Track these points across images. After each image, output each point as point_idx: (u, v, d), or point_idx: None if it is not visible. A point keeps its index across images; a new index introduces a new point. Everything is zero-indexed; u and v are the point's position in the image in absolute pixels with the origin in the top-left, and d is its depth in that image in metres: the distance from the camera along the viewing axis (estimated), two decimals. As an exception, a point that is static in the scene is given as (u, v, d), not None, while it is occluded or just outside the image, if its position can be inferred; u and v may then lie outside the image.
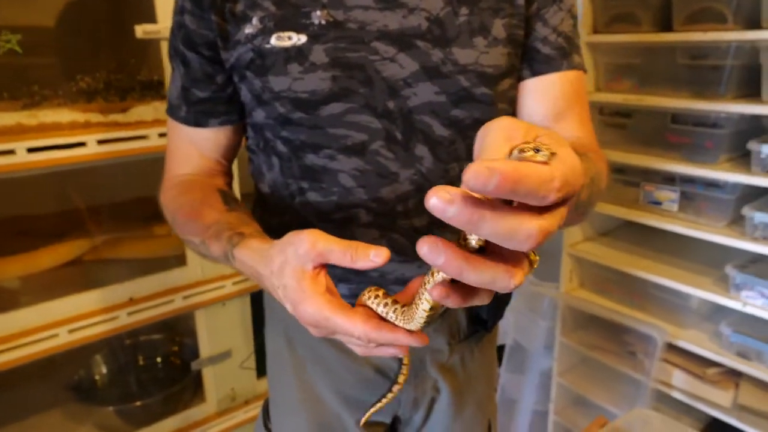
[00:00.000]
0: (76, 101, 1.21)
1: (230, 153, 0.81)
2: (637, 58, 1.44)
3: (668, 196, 1.43)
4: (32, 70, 1.21)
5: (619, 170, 1.53)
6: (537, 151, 0.32)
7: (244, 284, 1.47)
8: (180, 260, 1.38)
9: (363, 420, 0.80)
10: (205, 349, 1.48)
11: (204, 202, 0.70)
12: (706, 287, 1.37)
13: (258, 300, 1.24)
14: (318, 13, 0.65)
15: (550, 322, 1.73)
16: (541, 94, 0.74)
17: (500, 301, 0.82)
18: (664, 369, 1.49)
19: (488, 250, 0.36)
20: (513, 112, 0.75)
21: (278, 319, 0.83)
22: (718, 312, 1.46)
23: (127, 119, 1.24)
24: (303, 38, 0.65)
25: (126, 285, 1.33)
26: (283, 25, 0.65)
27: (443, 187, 0.32)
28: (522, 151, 0.33)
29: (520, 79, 0.74)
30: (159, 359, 1.65)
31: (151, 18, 1.19)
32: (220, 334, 1.49)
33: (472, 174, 0.30)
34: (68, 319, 1.25)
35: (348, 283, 0.75)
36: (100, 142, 1.20)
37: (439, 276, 0.41)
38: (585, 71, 0.76)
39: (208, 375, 1.50)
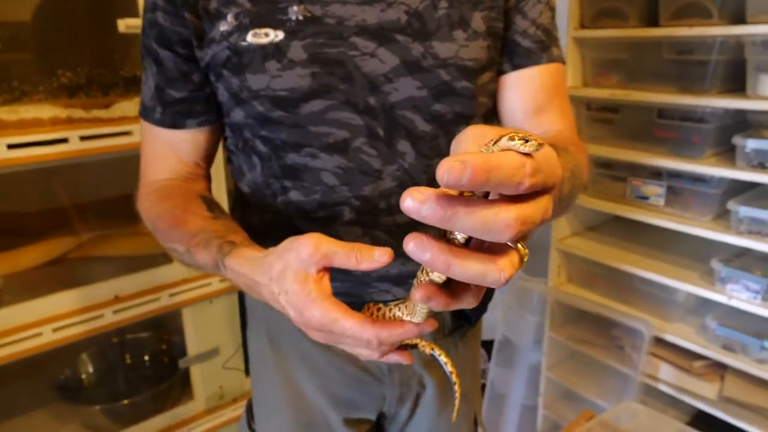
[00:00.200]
0: (58, 97, 1.19)
1: (209, 155, 0.78)
2: (624, 53, 1.45)
3: (655, 190, 1.44)
4: (12, 65, 1.19)
5: (606, 165, 1.53)
6: (526, 141, 0.33)
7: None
8: (166, 257, 1.36)
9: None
10: (193, 346, 1.47)
11: (186, 209, 0.68)
12: (692, 281, 1.38)
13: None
14: (295, 8, 0.63)
15: (538, 317, 1.73)
16: (523, 88, 0.73)
17: (484, 295, 0.82)
18: (651, 362, 1.50)
19: (476, 248, 0.36)
20: (493, 106, 0.75)
21: (260, 319, 0.82)
22: (704, 305, 1.47)
23: (110, 115, 1.23)
24: (280, 35, 0.63)
25: (111, 283, 1.32)
26: (259, 22, 0.63)
27: (416, 188, 0.32)
28: (511, 139, 0.33)
29: (501, 72, 0.74)
30: (147, 357, 1.64)
31: (134, 12, 1.18)
32: (208, 331, 1.48)
33: (445, 169, 0.30)
34: (52, 318, 1.24)
35: (332, 281, 0.74)
36: (83, 138, 1.18)
37: (435, 274, 0.40)
38: (564, 63, 0.76)
39: (196, 373, 1.49)
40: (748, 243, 1.25)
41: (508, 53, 0.72)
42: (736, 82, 1.29)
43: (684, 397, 1.44)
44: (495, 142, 0.35)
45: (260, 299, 0.56)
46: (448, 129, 0.69)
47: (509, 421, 1.81)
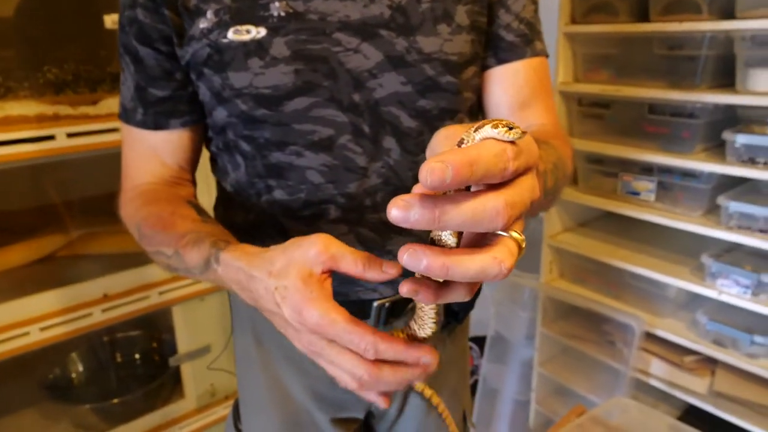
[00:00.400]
0: (44, 93, 1.18)
1: (193, 158, 0.76)
2: (615, 49, 1.44)
3: (646, 186, 1.44)
4: (-3, 61, 1.18)
5: (597, 161, 1.53)
6: (510, 129, 0.33)
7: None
8: (155, 255, 1.36)
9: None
10: (183, 345, 1.46)
11: (174, 212, 0.67)
12: (683, 276, 1.38)
13: (235, 295, 1.22)
14: (276, 4, 0.62)
15: (530, 313, 1.73)
16: (507, 83, 0.73)
17: None
18: (642, 358, 1.50)
19: (469, 246, 0.36)
20: (477, 101, 0.75)
21: (245, 318, 0.81)
22: (695, 300, 1.48)
23: (97, 112, 1.22)
24: (262, 31, 0.62)
25: (100, 281, 1.31)
26: (240, 18, 0.62)
27: (399, 197, 0.32)
28: (494, 127, 0.33)
29: (485, 67, 0.73)
30: (137, 356, 1.63)
31: (121, 8, 1.16)
32: (199, 329, 1.48)
33: (426, 172, 0.30)
34: (40, 317, 1.23)
35: None
36: (70, 135, 1.17)
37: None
38: (547, 56, 0.76)
39: (187, 371, 1.49)
40: (738, 238, 1.26)
41: (492, 48, 0.72)
42: (726, 77, 1.29)
43: (675, 392, 1.44)
44: (476, 129, 0.35)
45: (249, 298, 0.54)
46: (433, 125, 0.69)
47: (501, 417, 1.82)
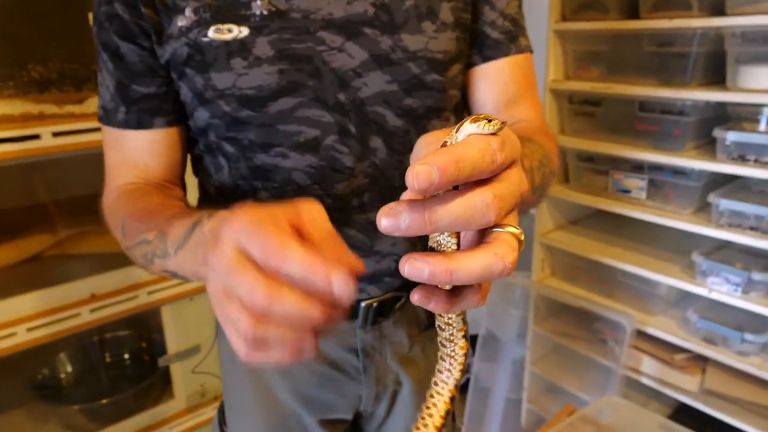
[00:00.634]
0: (29, 92, 1.17)
1: (181, 160, 0.72)
2: (605, 46, 1.44)
3: (636, 184, 1.44)
4: (-21, 60, 1.16)
5: (588, 158, 1.53)
6: (489, 121, 0.33)
7: (211, 278, 1.44)
8: (144, 254, 1.35)
9: None
10: (173, 345, 1.45)
11: (164, 203, 0.64)
12: (674, 274, 1.38)
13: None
14: (258, 2, 0.61)
15: (522, 312, 1.73)
16: (493, 80, 0.72)
17: None
18: (633, 356, 1.50)
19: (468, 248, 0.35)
20: (462, 99, 0.74)
21: None
22: (686, 298, 1.48)
23: (83, 110, 1.20)
24: (245, 30, 0.61)
25: (88, 281, 1.30)
26: (221, 17, 0.61)
27: (386, 206, 0.32)
28: (474, 121, 0.34)
29: (470, 65, 0.73)
30: (127, 356, 1.62)
31: (106, 5, 1.15)
32: (188, 329, 1.47)
33: (413, 176, 0.30)
34: (27, 318, 1.22)
35: None
36: (56, 134, 1.16)
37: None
38: (532, 52, 0.75)
39: (177, 371, 1.48)
40: (729, 236, 1.26)
41: (477, 45, 0.71)
42: (717, 74, 1.29)
43: (666, 390, 1.45)
44: (458, 129, 0.35)
45: (201, 262, 0.46)
46: (419, 123, 0.68)
47: (493, 416, 1.81)
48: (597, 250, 1.53)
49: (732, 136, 1.22)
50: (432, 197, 0.33)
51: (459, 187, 0.35)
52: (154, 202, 0.64)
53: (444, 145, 0.35)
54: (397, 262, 0.74)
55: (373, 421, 0.84)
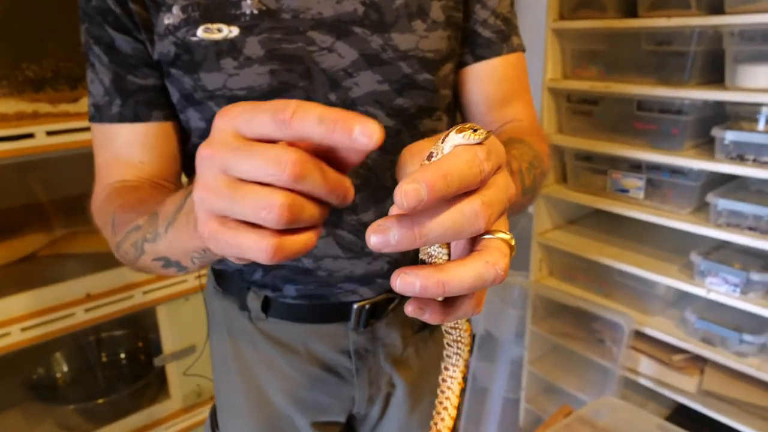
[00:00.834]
0: (23, 91, 1.16)
1: (177, 157, 0.69)
2: (603, 45, 1.43)
3: (635, 183, 1.43)
4: (-27, 59, 1.16)
5: (586, 158, 1.52)
6: (474, 131, 0.33)
7: (206, 278, 1.44)
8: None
9: None
10: (168, 344, 1.45)
11: (159, 192, 0.62)
12: (672, 274, 1.38)
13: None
14: (248, 1, 0.60)
15: (520, 311, 1.72)
16: (485, 80, 0.72)
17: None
18: (631, 356, 1.50)
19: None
20: (454, 97, 0.73)
21: (221, 322, 0.79)
22: (684, 299, 1.47)
23: (78, 109, 1.20)
24: (235, 30, 0.60)
25: (82, 280, 1.29)
26: (210, 16, 0.60)
27: (375, 223, 0.32)
28: (459, 131, 0.34)
29: (462, 64, 0.72)
30: (123, 356, 1.61)
31: (101, 3, 1.14)
32: (184, 329, 1.46)
33: (402, 196, 0.30)
34: (21, 317, 1.21)
35: (295, 284, 0.72)
36: (50, 133, 1.15)
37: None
38: (524, 50, 0.74)
39: (172, 371, 1.47)
40: (727, 236, 1.25)
41: (468, 44, 0.71)
42: (715, 73, 1.28)
43: (664, 391, 1.44)
44: (443, 140, 0.34)
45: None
46: (411, 123, 0.67)
47: (491, 415, 1.81)
48: (595, 249, 1.53)
49: (730, 136, 1.22)
50: (420, 211, 0.32)
51: None
52: (149, 192, 0.61)
53: (430, 157, 0.35)
54: (389, 263, 0.74)
55: (367, 423, 0.84)
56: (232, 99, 0.62)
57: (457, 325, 0.43)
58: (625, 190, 1.45)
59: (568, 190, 1.58)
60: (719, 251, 1.33)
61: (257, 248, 0.33)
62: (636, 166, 1.42)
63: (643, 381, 1.48)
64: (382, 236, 0.31)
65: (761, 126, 1.20)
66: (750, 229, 1.23)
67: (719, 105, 1.30)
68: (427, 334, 0.83)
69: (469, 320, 0.43)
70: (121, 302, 1.32)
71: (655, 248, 1.50)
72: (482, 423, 1.83)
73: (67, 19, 1.21)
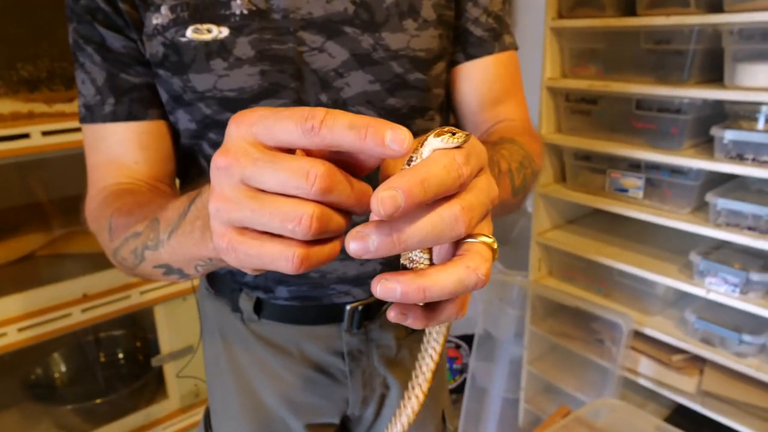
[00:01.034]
0: (18, 91, 1.16)
1: (172, 156, 0.67)
2: (602, 44, 1.42)
3: (634, 183, 1.42)
4: (-33, 59, 1.16)
5: (585, 157, 1.51)
6: (453, 134, 0.33)
7: (199, 280, 1.44)
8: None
9: None
10: (166, 345, 1.45)
11: (157, 195, 0.61)
12: (671, 274, 1.37)
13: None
14: (238, 1, 0.59)
15: (519, 311, 1.72)
16: (477, 79, 0.71)
17: None
18: (630, 356, 1.49)
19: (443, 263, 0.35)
20: (446, 96, 0.72)
21: (214, 325, 0.79)
22: (683, 299, 1.46)
23: (73, 109, 1.19)
24: (225, 31, 0.59)
25: (79, 281, 1.29)
26: (200, 16, 0.59)
27: (354, 229, 0.31)
28: (438, 135, 0.33)
29: (454, 63, 0.71)
30: (121, 356, 1.61)
31: (96, 3, 1.14)
32: (182, 329, 1.46)
33: (378, 203, 0.29)
34: (18, 317, 1.21)
35: (287, 285, 0.72)
36: (45, 133, 1.15)
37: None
38: (517, 49, 0.74)
39: (170, 371, 1.47)
40: (727, 236, 1.24)
41: (460, 43, 0.70)
42: (714, 72, 1.27)
43: (663, 391, 1.43)
44: (422, 144, 0.34)
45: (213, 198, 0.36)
46: (403, 123, 0.66)
47: (491, 415, 1.80)
48: (594, 249, 1.52)
49: (730, 135, 1.21)
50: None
51: None
52: (146, 196, 0.60)
53: (409, 161, 0.34)
54: (382, 264, 0.73)
55: (362, 424, 0.83)
56: (222, 100, 0.61)
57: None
58: (624, 190, 1.44)
59: (567, 190, 1.57)
60: (719, 251, 1.32)
61: (283, 258, 0.32)
62: (635, 166, 1.41)
63: (642, 381, 1.48)
64: (361, 243, 0.31)
65: (761, 125, 1.19)
66: (749, 228, 1.22)
67: (718, 104, 1.29)
68: (421, 336, 0.82)
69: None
70: (118, 302, 1.32)
71: (655, 248, 1.49)
72: (481, 423, 1.83)
73: (61, 19, 1.20)
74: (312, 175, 0.31)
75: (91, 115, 0.64)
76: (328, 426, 0.81)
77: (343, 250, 0.68)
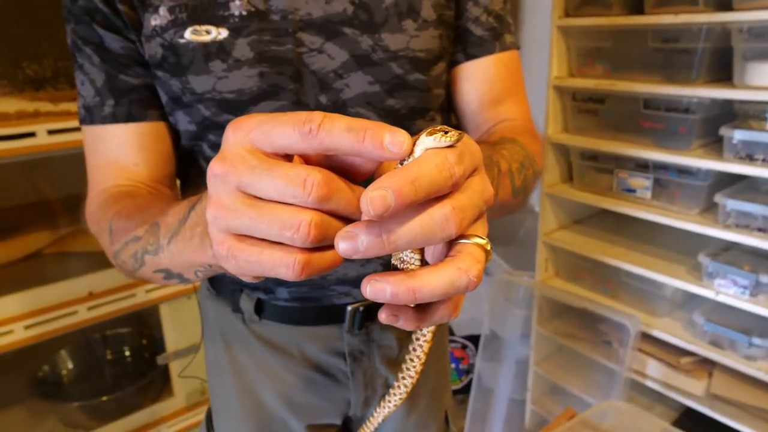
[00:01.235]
0: (24, 90, 1.17)
1: (172, 158, 0.67)
2: (609, 42, 1.41)
3: (642, 183, 1.40)
4: (-28, 58, 1.16)
5: (592, 157, 1.50)
6: (445, 133, 0.32)
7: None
8: (142, 253, 1.34)
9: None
10: (171, 343, 1.45)
11: (158, 198, 0.61)
12: (680, 276, 1.35)
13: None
14: (237, 2, 0.59)
15: (526, 312, 1.71)
16: (478, 79, 0.70)
17: None
18: (638, 358, 1.48)
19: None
20: (447, 97, 0.72)
21: (214, 326, 0.79)
22: (692, 300, 1.45)
23: (79, 108, 1.20)
24: (224, 32, 0.59)
25: (85, 279, 1.30)
26: (198, 18, 0.59)
27: (343, 229, 0.31)
28: (430, 134, 0.33)
29: (454, 63, 0.71)
30: (128, 353, 1.62)
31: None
32: (187, 327, 1.46)
33: (367, 203, 0.29)
34: (24, 315, 1.22)
35: (287, 287, 0.72)
36: (51, 132, 1.15)
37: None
38: (518, 49, 0.73)
39: (175, 369, 1.47)
40: (736, 237, 1.22)
41: (461, 42, 0.69)
42: (723, 71, 1.25)
43: (671, 394, 1.42)
44: (414, 144, 0.33)
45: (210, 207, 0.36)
46: (403, 124, 0.66)
47: (497, 416, 1.79)
48: (601, 250, 1.50)
49: (739, 135, 1.19)
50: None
51: None
52: (146, 199, 0.60)
53: (402, 161, 0.34)
54: (383, 265, 0.73)
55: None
56: (221, 102, 0.61)
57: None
58: (632, 190, 1.43)
59: (574, 190, 1.56)
60: (728, 252, 1.31)
61: (284, 265, 0.32)
62: (643, 166, 1.40)
63: (650, 383, 1.46)
64: (350, 242, 0.30)
65: (771, 125, 1.17)
66: (759, 230, 1.20)
67: (727, 103, 1.27)
68: (422, 336, 0.82)
69: None
70: (123, 300, 1.33)
71: (663, 249, 1.48)
72: (487, 423, 1.82)
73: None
74: (309, 183, 0.31)
75: (90, 116, 0.64)
76: (330, 427, 0.81)
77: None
